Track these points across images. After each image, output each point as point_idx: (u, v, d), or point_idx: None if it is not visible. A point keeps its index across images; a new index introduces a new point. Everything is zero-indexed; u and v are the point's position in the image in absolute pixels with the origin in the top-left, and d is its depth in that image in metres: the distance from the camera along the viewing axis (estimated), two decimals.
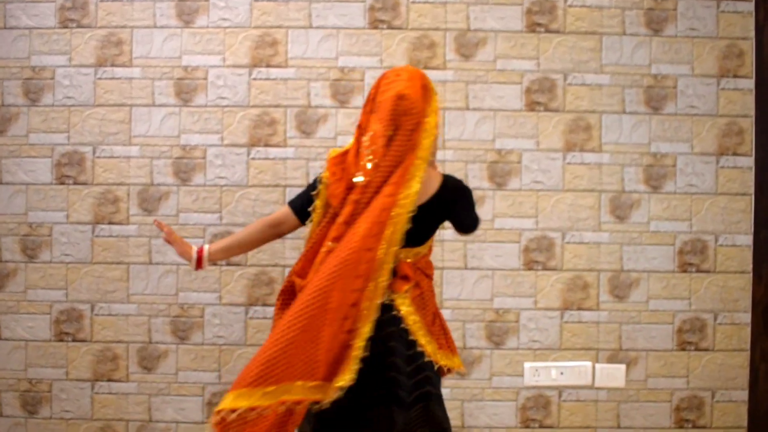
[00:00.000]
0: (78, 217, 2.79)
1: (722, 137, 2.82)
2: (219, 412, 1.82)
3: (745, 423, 2.82)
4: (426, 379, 2.01)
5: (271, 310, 2.74)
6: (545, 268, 2.81)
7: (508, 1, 2.79)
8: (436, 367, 2.04)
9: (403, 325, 2.00)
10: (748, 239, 2.82)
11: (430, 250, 2.15)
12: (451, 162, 2.78)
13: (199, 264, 2.16)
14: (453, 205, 2.06)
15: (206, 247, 2.16)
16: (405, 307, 2.02)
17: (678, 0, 2.80)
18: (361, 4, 2.79)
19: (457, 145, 2.80)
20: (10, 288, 2.78)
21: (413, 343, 2.00)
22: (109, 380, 2.79)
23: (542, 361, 2.81)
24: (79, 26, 2.79)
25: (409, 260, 2.05)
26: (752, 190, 2.82)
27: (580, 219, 2.81)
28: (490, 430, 2.80)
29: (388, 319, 1.99)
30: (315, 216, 2.08)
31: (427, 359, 2.01)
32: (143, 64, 2.80)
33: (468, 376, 2.78)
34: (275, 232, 2.18)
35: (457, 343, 2.33)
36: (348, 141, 2.76)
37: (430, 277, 2.14)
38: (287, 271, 2.74)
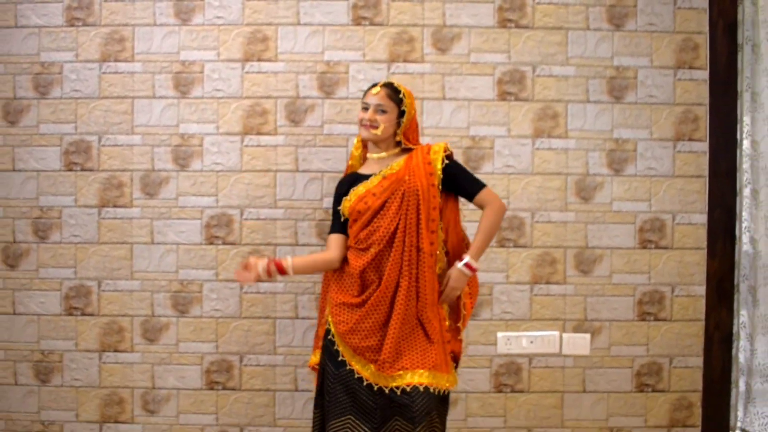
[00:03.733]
0: (85, 201, 2.99)
1: (679, 124, 3.00)
2: None
3: (699, 387, 3.02)
4: None
5: (263, 286, 2.98)
6: (516, 245, 3.01)
7: None
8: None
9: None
10: (702, 218, 3.01)
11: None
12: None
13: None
14: None
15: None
16: None
17: None
18: (345, 2, 2.98)
19: (434, 133, 2.99)
20: (23, 267, 2.99)
21: None
22: (116, 351, 3.00)
23: (514, 331, 3.01)
24: (85, 24, 2.98)
25: None
26: (706, 172, 3.01)
27: (548, 200, 3.00)
28: (467, 395, 3.00)
29: None
30: None
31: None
32: (144, 59, 2.98)
33: None
34: None
35: None
36: (334, 129, 2.99)
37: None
38: (279, 249, 2.97)
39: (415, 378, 2.30)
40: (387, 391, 2.31)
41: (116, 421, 3.01)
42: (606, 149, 3.02)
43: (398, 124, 2.47)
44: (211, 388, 3.00)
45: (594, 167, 3.01)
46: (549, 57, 3.00)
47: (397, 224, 2.36)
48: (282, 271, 2.40)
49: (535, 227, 3.02)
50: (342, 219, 2.48)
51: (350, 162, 2.61)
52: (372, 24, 2.99)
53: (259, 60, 2.99)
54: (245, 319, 3.00)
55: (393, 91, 2.44)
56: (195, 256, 3.00)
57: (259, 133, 3.00)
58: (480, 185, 2.44)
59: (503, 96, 3.00)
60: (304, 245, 2.98)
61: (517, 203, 3.00)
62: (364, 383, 2.34)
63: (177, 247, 3.00)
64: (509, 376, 3.02)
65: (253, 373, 3.00)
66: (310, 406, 2.90)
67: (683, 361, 3.03)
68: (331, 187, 2.92)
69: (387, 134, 2.45)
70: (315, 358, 2.56)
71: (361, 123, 2.45)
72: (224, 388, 3.00)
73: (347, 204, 2.44)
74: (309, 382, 2.98)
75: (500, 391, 3.01)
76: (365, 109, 2.45)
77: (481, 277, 2.96)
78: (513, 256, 3.01)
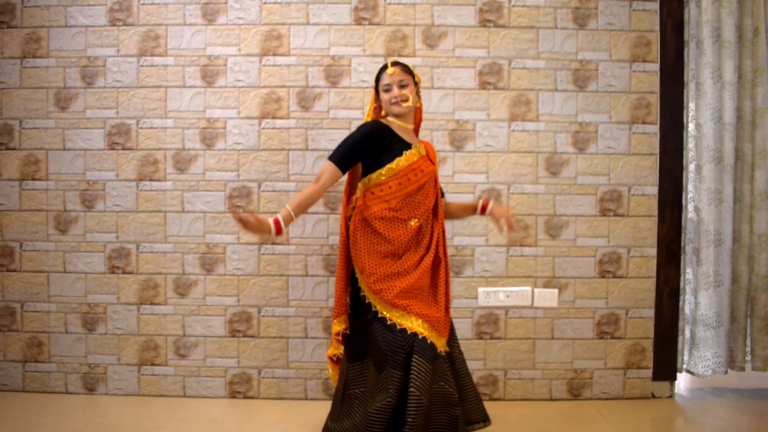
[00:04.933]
0: (125, 176, 3.37)
1: (634, 109, 3.36)
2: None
3: (651, 334, 3.41)
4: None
5: (278, 248, 3.38)
6: None
7: (464, 2, 3.34)
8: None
9: None
10: (654, 189, 3.37)
11: (362, 192, 2.61)
12: (420, 130, 3.32)
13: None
14: None
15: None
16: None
17: (599, 0, 3.35)
18: (348, 5, 3.34)
19: (424, 117, 3.29)
20: (73, 232, 3.40)
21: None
22: (152, 304, 3.39)
23: (492, 286, 3.37)
24: (125, 24, 3.35)
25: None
26: (657, 151, 3.37)
27: (522, 174, 3.36)
28: None
29: None
30: None
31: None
32: (176, 54, 3.34)
33: None
34: None
35: None
36: (338, 114, 3.36)
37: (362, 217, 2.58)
38: None
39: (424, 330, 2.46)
40: (409, 333, 2.43)
41: (152, 364, 3.42)
42: (571, 131, 3.36)
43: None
44: (234, 336, 3.39)
45: (561, 146, 3.37)
46: (522, 52, 3.35)
47: (435, 202, 2.59)
48: (280, 231, 2.41)
49: (511, 198, 3.38)
50: (351, 162, 2.52)
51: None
52: (371, 24, 3.33)
53: (274, 55, 3.33)
54: (262, 276, 3.38)
55: (404, 65, 2.60)
56: (219, 222, 3.37)
57: (274, 117, 3.34)
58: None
59: (483, 85, 3.36)
60: (313, 213, 3.37)
61: (495, 177, 3.36)
62: (398, 328, 2.46)
63: (204, 215, 3.37)
64: (488, 325, 3.39)
65: (270, 323, 3.39)
66: (319, 351, 3.36)
67: (637, 312, 3.40)
68: None
69: (414, 104, 2.59)
70: (338, 349, 2.70)
71: (391, 103, 2.55)
72: (245, 336, 3.39)
73: (400, 165, 2.50)
74: (317, 330, 3.39)
75: (481, 338, 3.39)
76: (387, 90, 2.56)
77: (465, 240, 3.39)
78: (492, 222, 3.35)
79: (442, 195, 2.80)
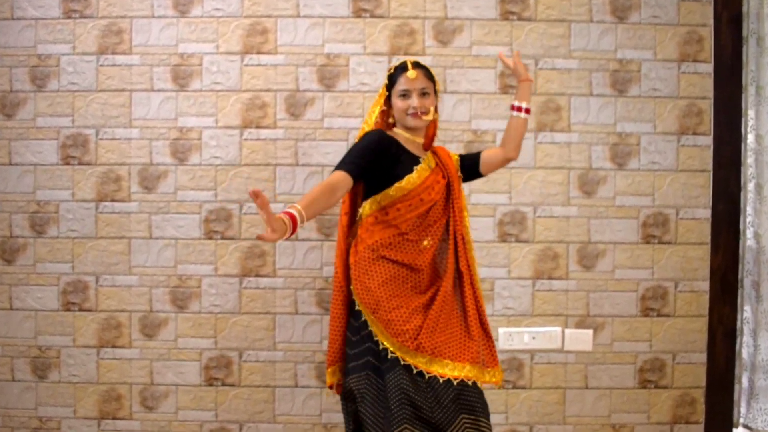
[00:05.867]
0: (83, 195, 3.02)
1: (683, 118, 3.03)
2: None
3: (703, 383, 3.05)
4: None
5: (263, 281, 2.99)
6: (518, 240, 3.03)
7: None
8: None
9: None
10: (706, 212, 3.03)
11: (365, 215, 2.38)
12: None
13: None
14: None
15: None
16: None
17: None
18: None
19: None
20: (20, 262, 3.01)
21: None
22: (114, 347, 3.03)
23: (515, 326, 3.04)
24: (82, 16, 3.01)
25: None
26: (710, 166, 3.03)
27: (551, 194, 3.03)
28: None
29: None
30: None
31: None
32: (142, 52, 3.01)
33: None
34: None
35: None
36: (334, 123, 3.01)
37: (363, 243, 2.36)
38: (278, 245, 2.99)
39: (464, 372, 2.27)
40: (441, 380, 2.23)
41: (114, 418, 3.02)
42: (609, 143, 3.04)
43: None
44: (210, 384, 3.02)
45: (597, 161, 3.04)
46: (552, 50, 3.03)
47: (448, 218, 2.40)
48: (295, 228, 2.07)
49: (537, 222, 3.04)
50: (362, 170, 2.26)
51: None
52: (372, 16, 3.02)
53: (259, 53, 3.02)
54: (244, 314, 3.02)
55: (426, 70, 2.39)
56: (194, 250, 3.02)
57: (258, 127, 3.02)
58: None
59: (505, 89, 3.03)
60: (304, 240, 3.00)
61: (519, 198, 3.02)
62: (414, 371, 2.23)
63: (175, 242, 3.02)
64: (511, 372, 3.03)
65: (253, 369, 3.02)
66: (311, 402, 3.02)
67: (686, 357, 3.05)
68: None
69: (432, 117, 2.39)
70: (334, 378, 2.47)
71: (407, 113, 2.35)
72: (223, 384, 3.02)
73: (411, 184, 2.30)
74: (309, 378, 3.01)
75: (502, 387, 3.03)
76: (404, 97, 2.35)
77: (483, 272, 3.02)
78: (515, 251, 3.03)
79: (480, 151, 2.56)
